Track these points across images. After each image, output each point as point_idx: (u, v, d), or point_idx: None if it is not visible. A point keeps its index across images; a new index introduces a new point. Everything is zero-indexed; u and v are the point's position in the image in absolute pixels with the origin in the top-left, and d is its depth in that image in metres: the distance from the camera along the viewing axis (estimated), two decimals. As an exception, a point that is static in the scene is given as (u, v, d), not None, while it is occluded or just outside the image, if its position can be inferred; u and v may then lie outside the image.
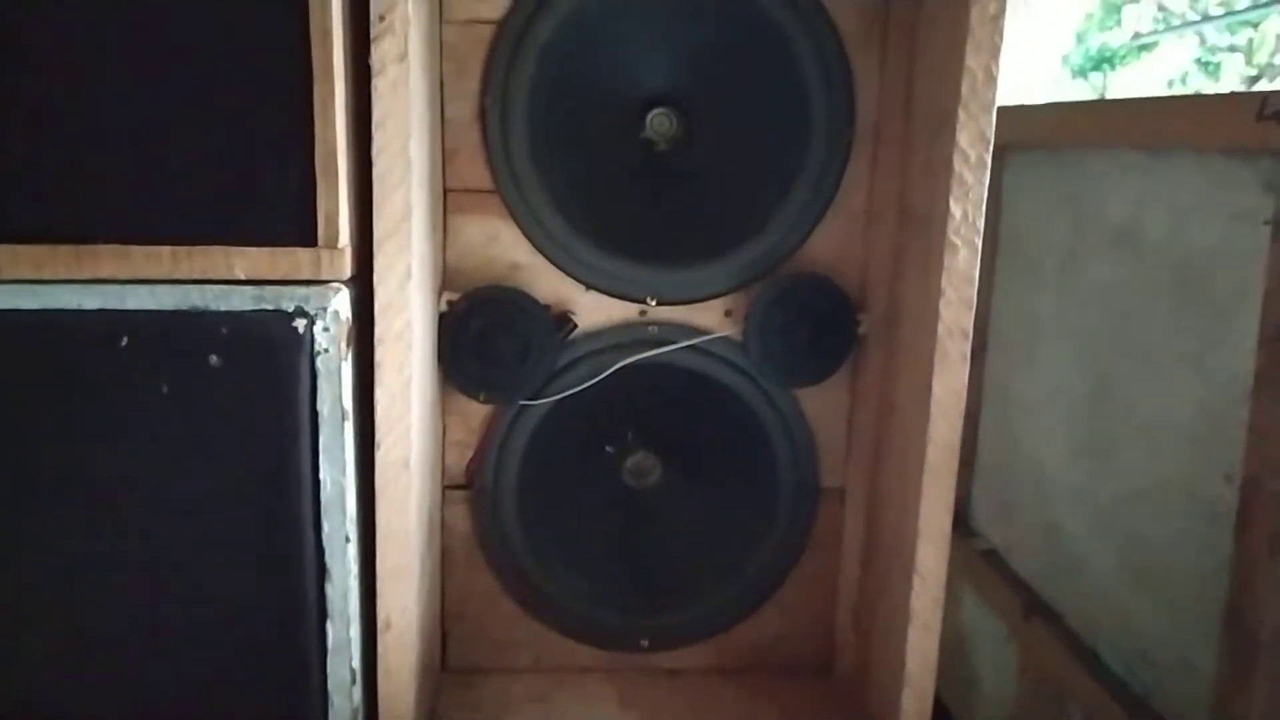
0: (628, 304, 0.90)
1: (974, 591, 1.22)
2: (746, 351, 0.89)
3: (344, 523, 0.75)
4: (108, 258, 0.72)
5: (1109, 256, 0.99)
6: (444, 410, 0.91)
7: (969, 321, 0.77)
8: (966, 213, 0.76)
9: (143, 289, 0.72)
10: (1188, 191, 0.88)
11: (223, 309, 0.72)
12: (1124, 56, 4.04)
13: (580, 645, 0.96)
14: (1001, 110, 0.75)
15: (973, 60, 0.73)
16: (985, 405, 1.19)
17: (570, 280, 0.89)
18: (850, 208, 0.89)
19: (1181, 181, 0.88)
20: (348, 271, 0.74)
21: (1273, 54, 3.68)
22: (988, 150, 0.74)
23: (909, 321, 0.84)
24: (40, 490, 0.73)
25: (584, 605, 0.95)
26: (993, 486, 1.22)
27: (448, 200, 0.87)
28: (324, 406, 0.73)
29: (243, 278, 0.72)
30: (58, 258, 0.71)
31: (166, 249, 0.72)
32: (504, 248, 0.88)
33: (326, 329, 0.72)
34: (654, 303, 0.89)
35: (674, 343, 0.89)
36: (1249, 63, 3.75)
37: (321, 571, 0.76)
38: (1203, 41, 3.89)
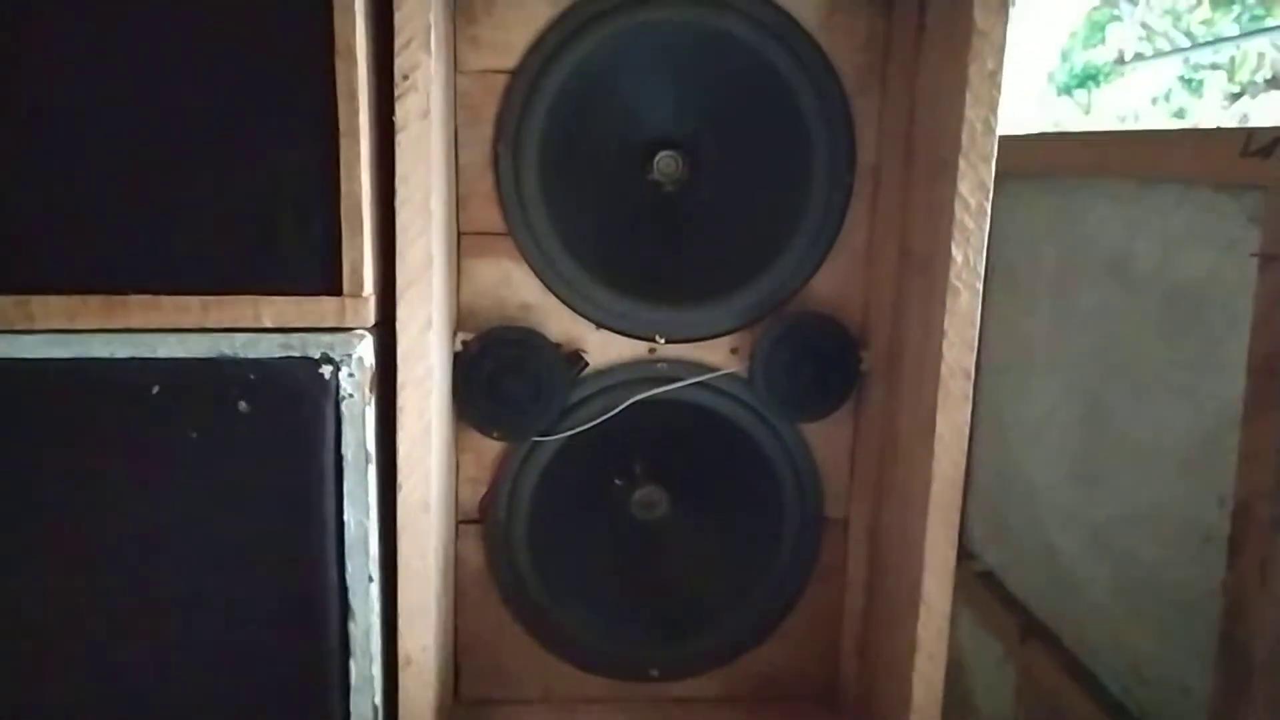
0: (637, 342, 0.91)
1: (971, 613, 1.23)
2: (753, 387, 0.91)
3: (367, 563, 0.77)
4: (139, 308, 0.73)
5: (1100, 284, 1.00)
6: (458, 447, 0.92)
7: (971, 362, 0.79)
8: (968, 257, 0.78)
9: (172, 338, 0.73)
10: (1177, 222, 0.89)
11: (250, 356, 0.73)
12: (1108, 74, 4.08)
13: (590, 675, 0.97)
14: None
15: (972, 112, 0.75)
16: (980, 428, 1.20)
17: (581, 319, 0.90)
18: (851, 247, 0.91)
19: (1171, 212, 0.90)
20: (371, 319, 0.76)
21: (1254, 72, 3.73)
22: (987, 198, 0.76)
23: (911, 359, 0.86)
24: (73, 534, 0.75)
25: (594, 636, 0.96)
26: (988, 508, 1.23)
27: (461, 243, 0.89)
28: (348, 450, 0.75)
29: (270, 326, 0.74)
30: (90, 308, 0.73)
31: (196, 299, 0.73)
32: (516, 288, 0.90)
33: (351, 375, 0.74)
34: (663, 341, 0.91)
35: (682, 379, 0.91)
36: (1231, 80, 3.80)
37: (345, 610, 0.77)
38: (1186, 59, 3.93)
